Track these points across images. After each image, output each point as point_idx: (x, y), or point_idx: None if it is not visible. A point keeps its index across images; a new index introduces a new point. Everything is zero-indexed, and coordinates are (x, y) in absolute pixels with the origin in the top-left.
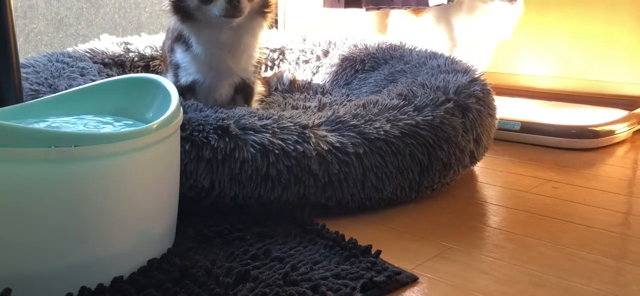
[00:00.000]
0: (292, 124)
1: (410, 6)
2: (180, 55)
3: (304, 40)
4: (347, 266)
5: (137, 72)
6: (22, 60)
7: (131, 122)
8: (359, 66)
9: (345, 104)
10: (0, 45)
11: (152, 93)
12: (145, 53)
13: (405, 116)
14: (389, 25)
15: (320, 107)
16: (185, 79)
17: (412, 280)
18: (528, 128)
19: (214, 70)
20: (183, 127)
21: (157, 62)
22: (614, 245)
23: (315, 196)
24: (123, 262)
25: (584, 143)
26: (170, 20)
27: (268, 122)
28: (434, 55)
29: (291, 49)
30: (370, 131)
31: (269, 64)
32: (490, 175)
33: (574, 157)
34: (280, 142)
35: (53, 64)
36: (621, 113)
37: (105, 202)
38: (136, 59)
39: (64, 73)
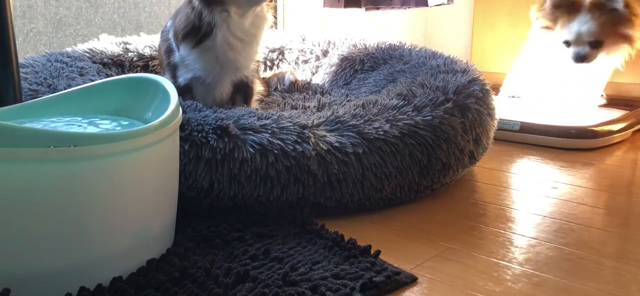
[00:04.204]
0: (291, 124)
1: (410, 6)
2: (185, 52)
3: (304, 40)
4: (346, 267)
5: (136, 71)
6: (21, 60)
7: (130, 122)
8: (359, 66)
9: (345, 104)
10: None
11: (151, 93)
12: (144, 53)
13: (405, 116)
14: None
15: (320, 107)
16: (183, 79)
17: (411, 280)
18: (528, 128)
19: (220, 65)
20: (182, 127)
21: (156, 61)
22: (614, 245)
23: (314, 196)
24: (122, 262)
25: (583, 143)
26: (168, 22)
27: (267, 122)
28: (433, 55)
29: (290, 49)
30: (370, 131)
31: (268, 64)
32: (490, 175)
33: (574, 157)
34: (279, 142)
35: (52, 64)
36: (621, 113)
37: (104, 202)
38: (135, 58)
39: (63, 73)
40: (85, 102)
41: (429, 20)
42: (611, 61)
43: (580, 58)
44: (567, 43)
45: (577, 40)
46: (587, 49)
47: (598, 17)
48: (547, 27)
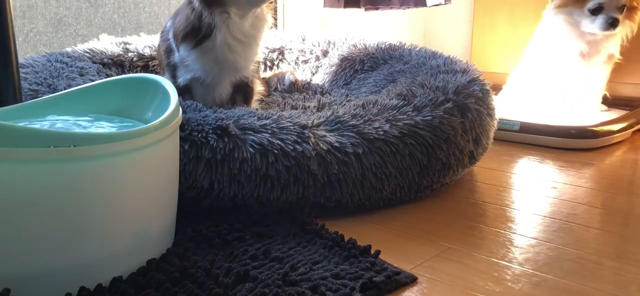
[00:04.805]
0: (291, 124)
1: (409, 7)
2: (184, 52)
3: (303, 40)
4: (346, 267)
5: (136, 72)
6: (21, 60)
7: (130, 122)
8: (358, 66)
9: (345, 104)
10: None
11: (151, 93)
12: (144, 53)
13: (405, 116)
14: None
15: (320, 107)
16: (183, 79)
17: (411, 280)
18: (527, 128)
19: (219, 66)
20: (182, 127)
21: (156, 62)
22: (614, 245)
23: (314, 196)
24: (122, 262)
25: (583, 143)
26: (167, 22)
27: (267, 122)
28: (433, 55)
29: (290, 49)
30: (370, 131)
31: (268, 64)
32: (490, 175)
33: (573, 157)
34: (279, 142)
35: (52, 64)
36: (620, 113)
37: (103, 202)
38: (135, 58)
39: (63, 73)
40: (85, 102)
41: (429, 20)
42: (610, 46)
43: (613, 23)
44: (598, 10)
45: (611, 4)
46: (617, 14)
47: None
48: (561, 5)
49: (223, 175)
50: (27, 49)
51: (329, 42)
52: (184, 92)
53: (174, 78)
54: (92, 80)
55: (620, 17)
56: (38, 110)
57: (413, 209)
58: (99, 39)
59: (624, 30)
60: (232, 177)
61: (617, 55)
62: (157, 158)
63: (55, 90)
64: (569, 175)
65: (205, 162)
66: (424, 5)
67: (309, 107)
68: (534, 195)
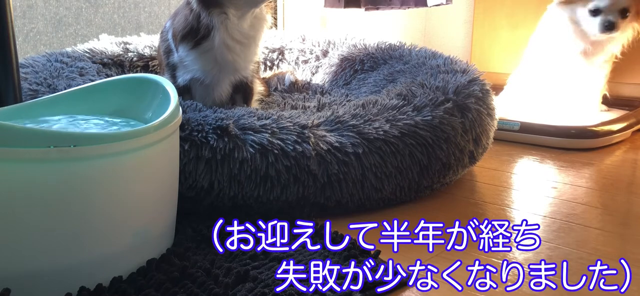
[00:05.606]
0: (291, 124)
1: (409, 7)
2: (183, 53)
3: (303, 40)
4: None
5: (136, 72)
6: (21, 60)
7: (130, 122)
8: (358, 66)
9: (345, 104)
10: None
11: (151, 93)
12: (144, 53)
13: (405, 116)
14: None
15: (320, 107)
16: (182, 79)
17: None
18: (527, 128)
19: (219, 66)
20: (182, 127)
21: (156, 61)
22: (614, 245)
23: (314, 196)
24: (122, 262)
25: (583, 143)
26: (166, 23)
27: (267, 122)
28: (433, 55)
29: (290, 49)
30: (370, 131)
31: (268, 64)
32: (490, 175)
33: (573, 157)
34: (279, 142)
35: (52, 64)
36: (620, 113)
37: (104, 202)
38: (135, 58)
39: (63, 73)
40: (85, 102)
41: (429, 20)
42: (613, 47)
43: (610, 26)
44: (596, 11)
45: (611, 7)
46: (617, 17)
47: None
48: (566, 1)
49: (223, 175)
50: (27, 49)
51: (329, 42)
52: (184, 92)
53: (173, 79)
54: (92, 80)
55: (618, 20)
56: (38, 110)
57: (413, 209)
58: (99, 39)
59: (626, 33)
60: (232, 177)
61: (617, 54)
62: (157, 158)
63: (55, 90)
64: (568, 175)
65: (205, 162)
66: (425, 5)
67: (309, 107)
68: (534, 195)
